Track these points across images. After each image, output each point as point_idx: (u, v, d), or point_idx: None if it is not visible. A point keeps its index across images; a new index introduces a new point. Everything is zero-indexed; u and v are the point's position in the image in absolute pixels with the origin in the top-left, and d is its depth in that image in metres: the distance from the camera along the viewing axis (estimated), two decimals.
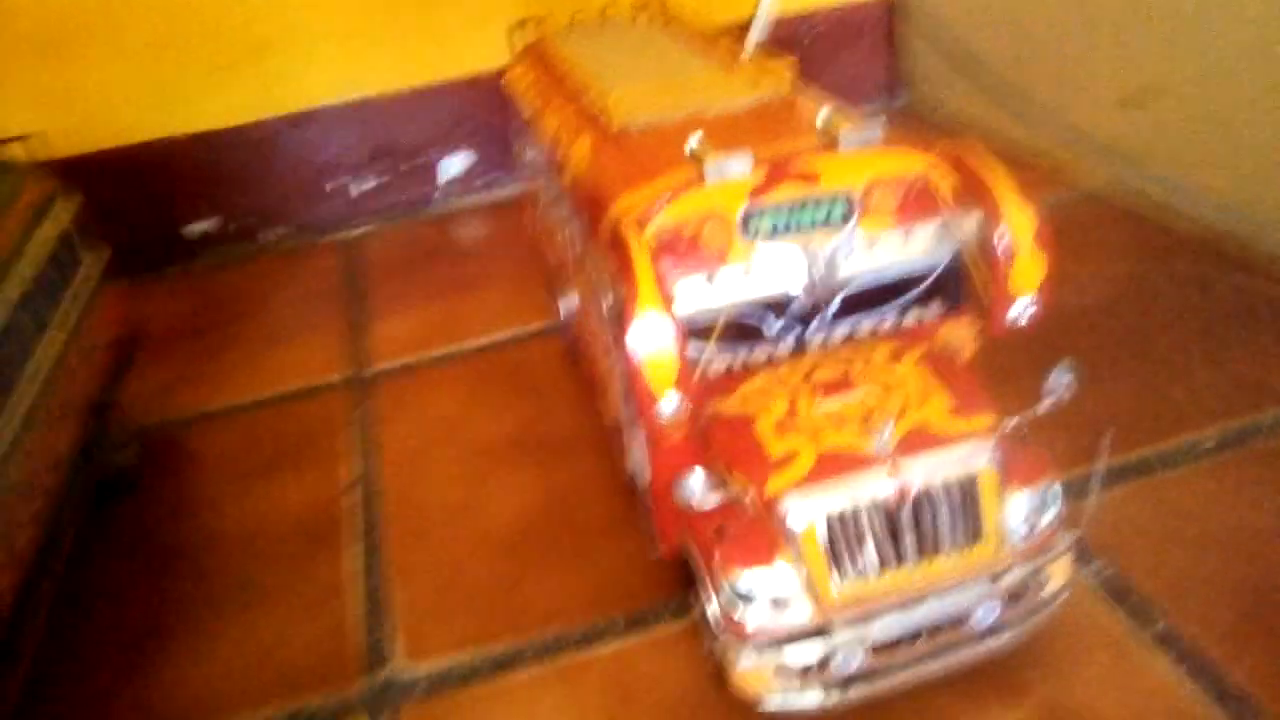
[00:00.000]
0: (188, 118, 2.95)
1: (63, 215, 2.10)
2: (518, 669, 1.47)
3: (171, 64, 2.89)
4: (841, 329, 1.38)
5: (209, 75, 2.92)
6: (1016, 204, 1.23)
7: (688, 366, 1.19)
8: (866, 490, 1.18)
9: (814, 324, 1.37)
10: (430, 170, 3.23)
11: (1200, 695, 1.27)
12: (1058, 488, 1.26)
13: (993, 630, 1.27)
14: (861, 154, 1.30)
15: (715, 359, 1.35)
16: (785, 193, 1.29)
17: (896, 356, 1.32)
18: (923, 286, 1.37)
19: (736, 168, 1.25)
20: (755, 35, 1.74)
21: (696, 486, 1.20)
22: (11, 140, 2.12)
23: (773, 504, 1.18)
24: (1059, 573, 1.28)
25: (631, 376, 1.18)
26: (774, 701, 1.25)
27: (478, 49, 2.99)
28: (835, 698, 1.25)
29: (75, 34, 2.80)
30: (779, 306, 1.34)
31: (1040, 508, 1.25)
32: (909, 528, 1.19)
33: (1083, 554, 1.50)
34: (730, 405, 1.30)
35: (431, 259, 2.88)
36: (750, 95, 1.59)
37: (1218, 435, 1.68)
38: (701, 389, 1.32)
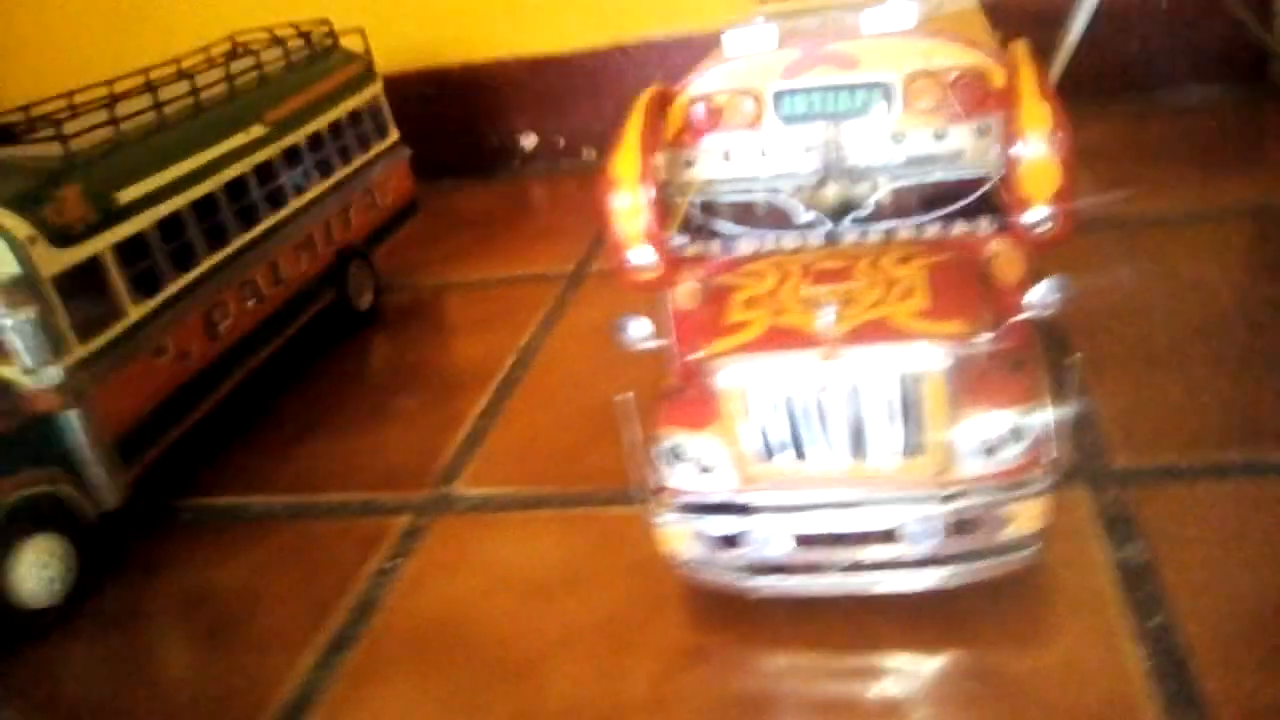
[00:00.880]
0: (525, 42, 3.32)
1: (375, 89, 2.52)
2: (540, 509, 1.59)
3: None
4: (878, 231, 1.32)
5: (552, 2, 3.26)
6: (1034, 103, 1.12)
7: (661, 225, 1.23)
8: (798, 368, 1.14)
9: (846, 220, 1.33)
10: None
11: (1154, 696, 1.08)
12: (1033, 420, 1.14)
13: (934, 560, 1.18)
14: (905, 41, 1.24)
15: (748, 238, 1.36)
16: (819, 75, 1.27)
17: (907, 259, 1.25)
18: (968, 199, 1.27)
19: (759, 41, 1.26)
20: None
21: (627, 328, 1.23)
22: (351, 31, 2.58)
23: (710, 366, 1.19)
24: (1024, 517, 1.15)
25: (606, 229, 1.25)
26: (692, 569, 1.26)
27: None
28: (748, 580, 1.23)
29: None
30: (811, 189, 1.32)
31: (1007, 437, 1.14)
32: (839, 418, 1.15)
33: (1126, 532, 1.31)
34: (729, 278, 1.31)
35: None
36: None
37: None
38: (723, 265, 1.35)
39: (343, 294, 2.31)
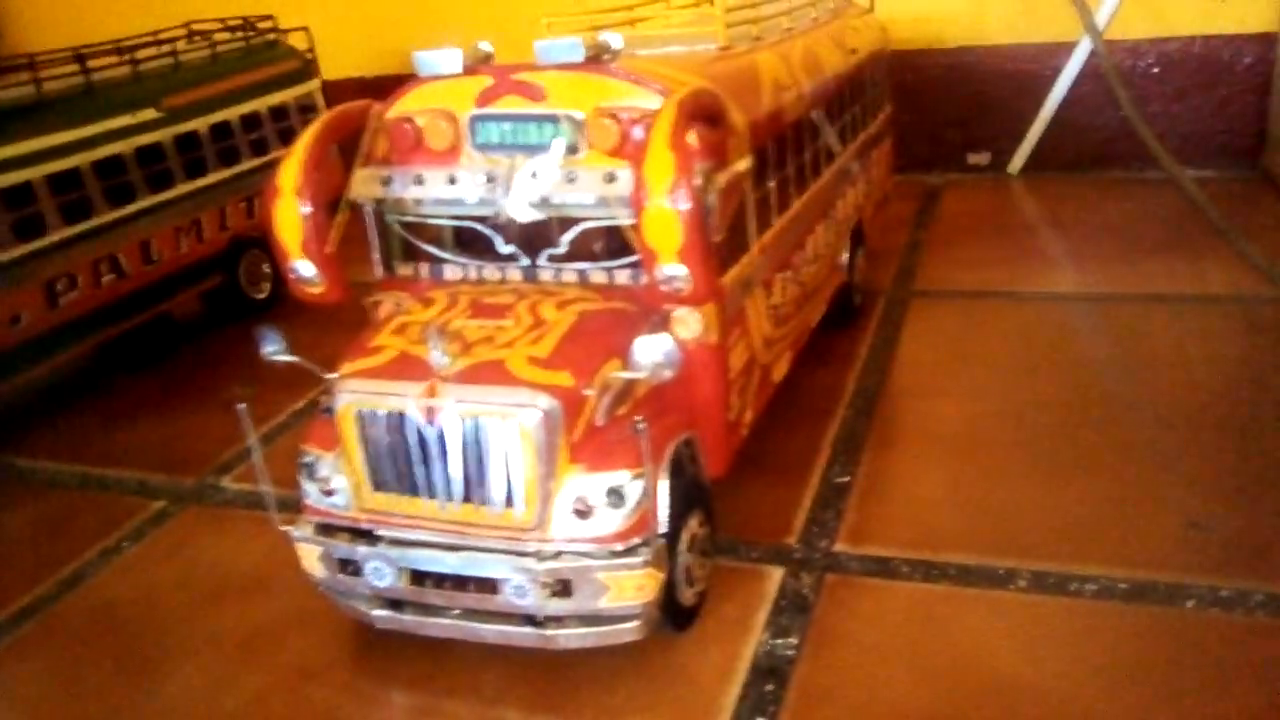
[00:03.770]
0: None
1: (311, 87, 2.58)
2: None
3: None
4: (571, 271, 1.28)
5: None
6: (660, 154, 1.06)
7: (321, 239, 1.22)
8: (400, 399, 1.11)
9: (542, 256, 1.29)
10: None
11: None
12: (636, 489, 1.07)
13: (533, 619, 1.12)
14: (592, 78, 1.20)
15: (449, 265, 1.33)
16: (509, 105, 1.23)
17: (566, 305, 1.20)
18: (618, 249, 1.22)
19: (443, 62, 1.23)
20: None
21: (262, 341, 1.22)
22: (297, 29, 2.64)
23: (335, 385, 1.17)
24: (621, 589, 1.09)
25: (269, 236, 1.24)
26: (324, 587, 1.23)
27: None
28: (370, 610, 1.20)
29: None
30: (505, 228, 1.29)
31: (603, 501, 1.08)
32: (438, 457, 1.11)
33: (789, 623, 1.23)
34: (411, 302, 1.28)
35: None
36: (684, 38, 1.50)
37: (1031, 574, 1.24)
38: (421, 288, 1.33)
39: (234, 280, 2.36)
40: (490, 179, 1.23)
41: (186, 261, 2.23)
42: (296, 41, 2.64)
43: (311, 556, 1.22)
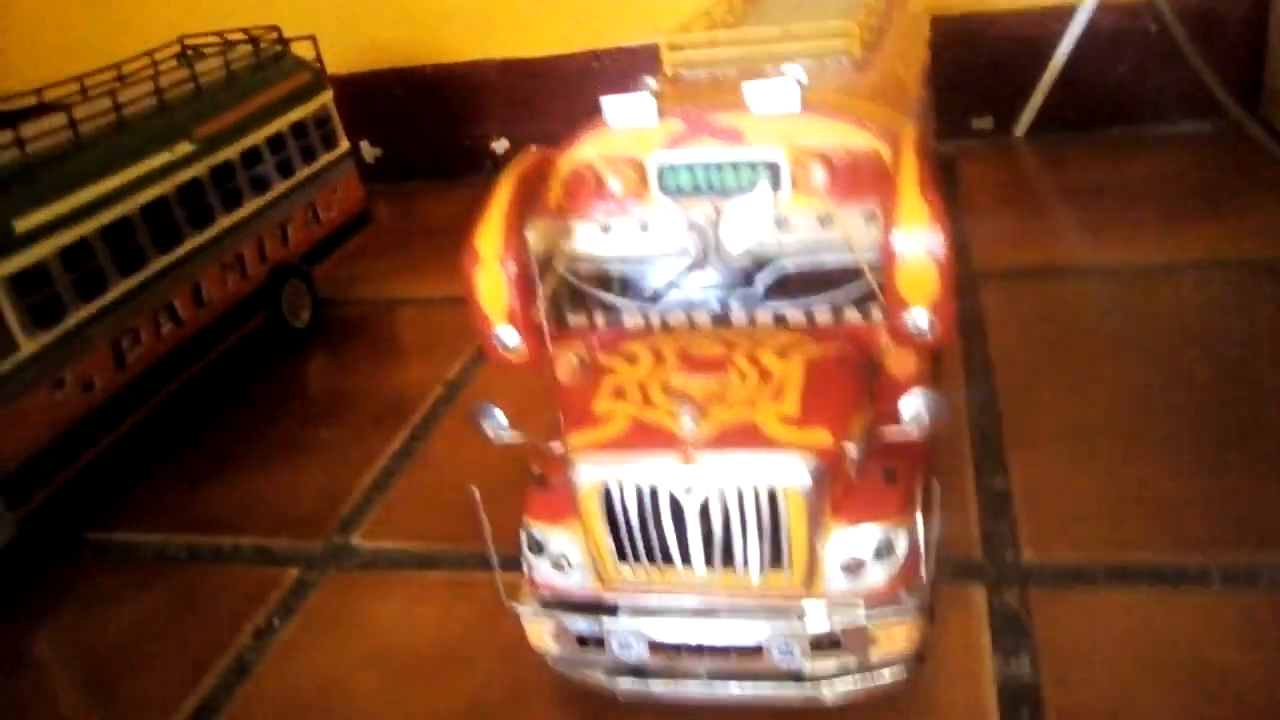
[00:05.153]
0: (499, 45, 3.24)
1: (324, 99, 2.46)
2: (431, 570, 1.55)
3: None
4: (766, 311, 1.25)
5: (530, 6, 3.18)
6: (915, 200, 1.05)
7: (525, 304, 1.17)
8: (657, 472, 1.08)
9: (733, 300, 1.26)
10: None
11: None
12: (904, 539, 1.07)
13: (807, 676, 1.12)
14: (791, 117, 1.17)
15: (632, 312, 1.29)
16: (703, 148, 1.20)
17: (787, 352, 1.17)
18: (849, 288, 1.20)
19: (638, 113, 1.19)
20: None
21: (484, 420, 1.18)
22: (302, 38, 2.51)
23: (569, 459, 1.13)
24: (890, 640, 1.09)
25: (469, 303, 1.19)
26: (559, 661, 1.21)
27: None
28: (616, 683, 1.17)
29: None
30: (690, 269, 1.25)
31: (873, 555, 1.07)
32: (697, 525, 1.08)
33: (1014, 643, 1.24)
34: (605, 356, 1.24)
35: None
36: (811, 54, 1.46)
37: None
38: (606, 339, 1.29)
39: (277, 313, 2.25)
40: (691, 225, 1.20)
41: (233, 300, 2.12)
42: (301, 51, 2.51)
43: (543, 632, 1.18)
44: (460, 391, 2.04)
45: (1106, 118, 2.90)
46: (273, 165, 2.26)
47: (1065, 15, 2.82)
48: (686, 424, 1.07)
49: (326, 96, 2.47)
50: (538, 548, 1.17)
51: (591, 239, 1.24)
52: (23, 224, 1.67)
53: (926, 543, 1.10)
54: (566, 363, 1.30)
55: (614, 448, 1.10)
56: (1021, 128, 2.97)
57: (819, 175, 1.16)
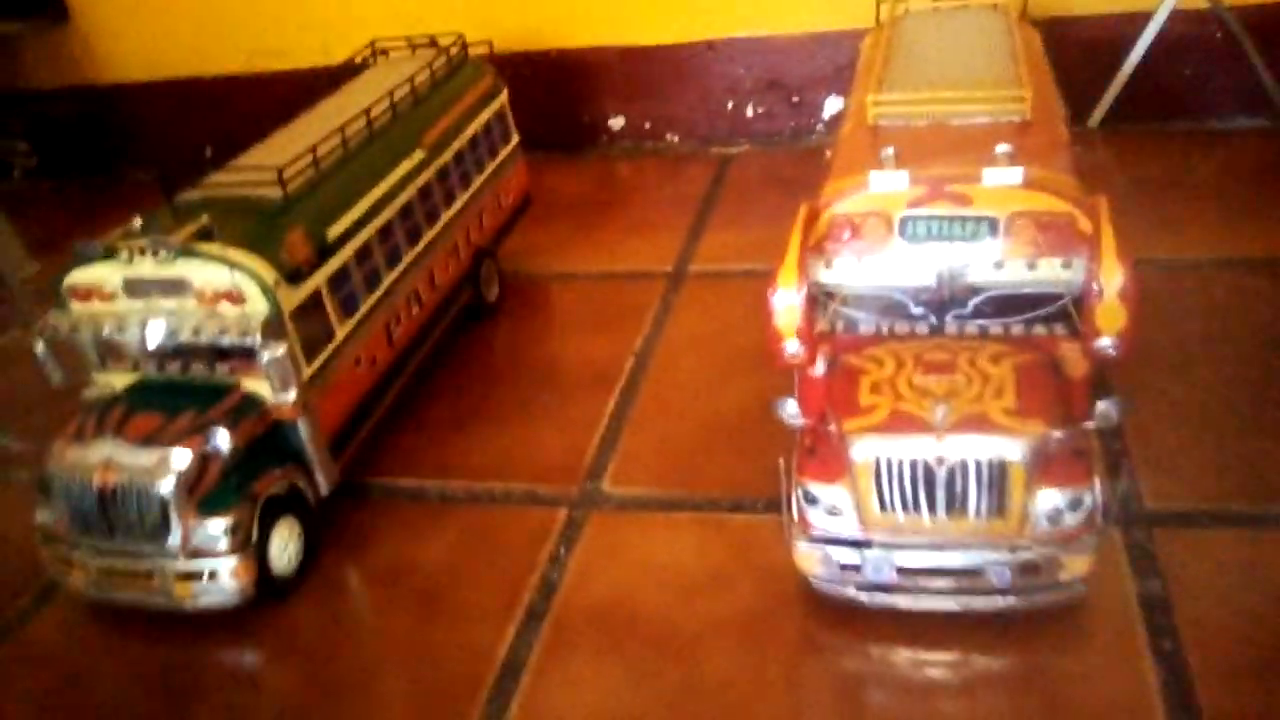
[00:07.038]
0: (622, 34, 3.60)
1: (503, 99, 2.83)
2: (676, 512, 1.99)
3: None
4: (974, 325, 1.68)
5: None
6: (1112, 260, 1.47)
7: (809, 322, 1.59)
8: (916, 449, 1.52)
9: (949, 315, 1.68)
10: (815, 106, 3.64)
11: (1161, 705, 1.49)
12: (1089, 497, 1.51)
13: (1005, 591, 1.57)
14: (1010, 189, 1.58)
15: (867, 322, 1.72)
16: (939, 208, 1.61)
17: (998, 358, 1.61)
18: (1046, 309, 1.63)
19: (894, 183, 1.60)
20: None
21: (786, 409, 1.61)
22: (480, 43, 2.87)
23: (847, 439, 1.57)
24: (1075, 565, 1.54)
25: (767, 322, 1.61)
26: (819, 582, 1.65)
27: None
28: (864, 597, 1.63)
29: None
30: (924, 295, 1.68)
31: (1067, 508, 1.52)
32: (943, 486, 1.52)
33: (1148, 568, 1.70)
34: (856, 359, 1.67)
35: (784, 184, 3.32)
36: (990, 113, 1.87)
37: None
38: (846, 343, 1.71)
39: (477, 290, 2.67)
40: (927, 264, 1.62)
41: (454, 281, 2.53)
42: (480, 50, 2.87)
43: (813, 559, 1.63)
44: (649, 361, 2.46)
45: (1171, 113, 3.30)
46: (472, 162, 2.65)
47: (1139, 19, 3.20)
48: (940, 413, 1.51)
49: (504, 96, 2.85)
50: (812, 500, 1.61)
51: (848, 272, 1.66)
52: (332, 231, 2.07)
53: (1102, 500, 1.54)
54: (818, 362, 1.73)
55: (882, 431, 1.54)
56: (1095, 118, 3.37)
57: (1029, 232, 1.58)
